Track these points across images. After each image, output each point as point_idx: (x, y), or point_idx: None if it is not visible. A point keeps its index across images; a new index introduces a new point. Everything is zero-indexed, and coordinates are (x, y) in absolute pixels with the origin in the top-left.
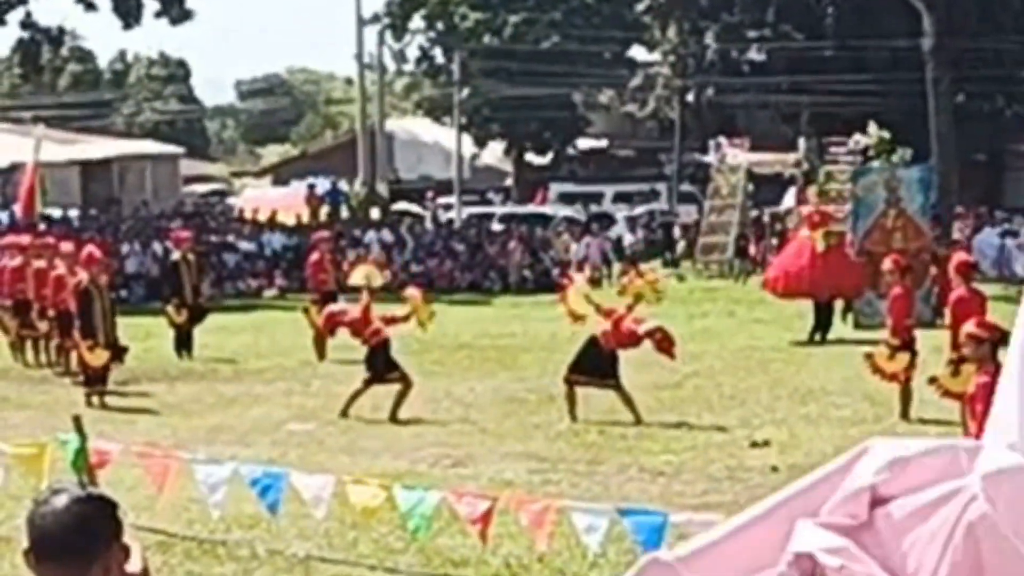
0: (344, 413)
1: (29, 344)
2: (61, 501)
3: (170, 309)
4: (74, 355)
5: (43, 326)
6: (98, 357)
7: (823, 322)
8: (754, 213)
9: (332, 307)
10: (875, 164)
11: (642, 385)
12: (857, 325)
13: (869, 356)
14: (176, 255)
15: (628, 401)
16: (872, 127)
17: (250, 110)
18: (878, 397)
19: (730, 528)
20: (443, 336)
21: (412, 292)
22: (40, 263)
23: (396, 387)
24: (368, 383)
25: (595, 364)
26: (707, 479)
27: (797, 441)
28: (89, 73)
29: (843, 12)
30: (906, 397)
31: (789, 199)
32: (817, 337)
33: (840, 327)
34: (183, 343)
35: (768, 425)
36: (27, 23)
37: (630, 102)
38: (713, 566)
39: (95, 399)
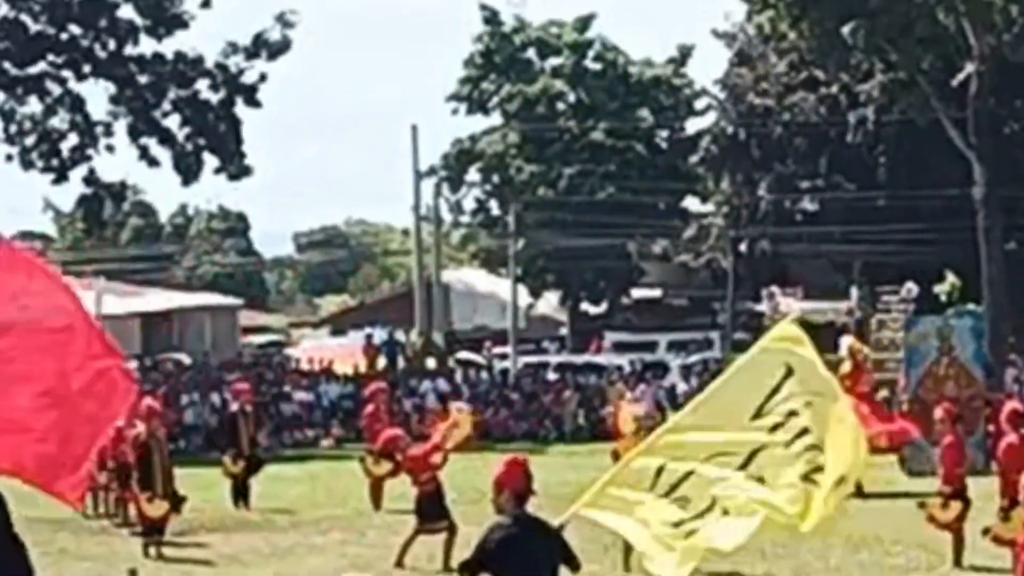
0: (399, 563)
1: (88, 495)
2: None
3: (226, 460)
4: (132, 506)
5: (102, 477)
6: (157, 508)
7: None
8: None
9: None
10: (952, 310)
11: None
12: (910, 472)
13: (923, 505)
14: (235, 406)
15: None
16: (950, 276)
17: (308, 261)
18: (931, 545)
19: None
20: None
21: (459, 406)
22: None
23: (466, 535)
24: (418, 531)
25: None
26: None
27: None
28: (150, 227)
29: (895, 162)
30: (959, 545)
31: (843, 348)
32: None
33: (892, 474)
34: (240, 493)
35: (821, 574)
36: (90, 179)
37: (684, 252)
38: None
39: (152, 550)
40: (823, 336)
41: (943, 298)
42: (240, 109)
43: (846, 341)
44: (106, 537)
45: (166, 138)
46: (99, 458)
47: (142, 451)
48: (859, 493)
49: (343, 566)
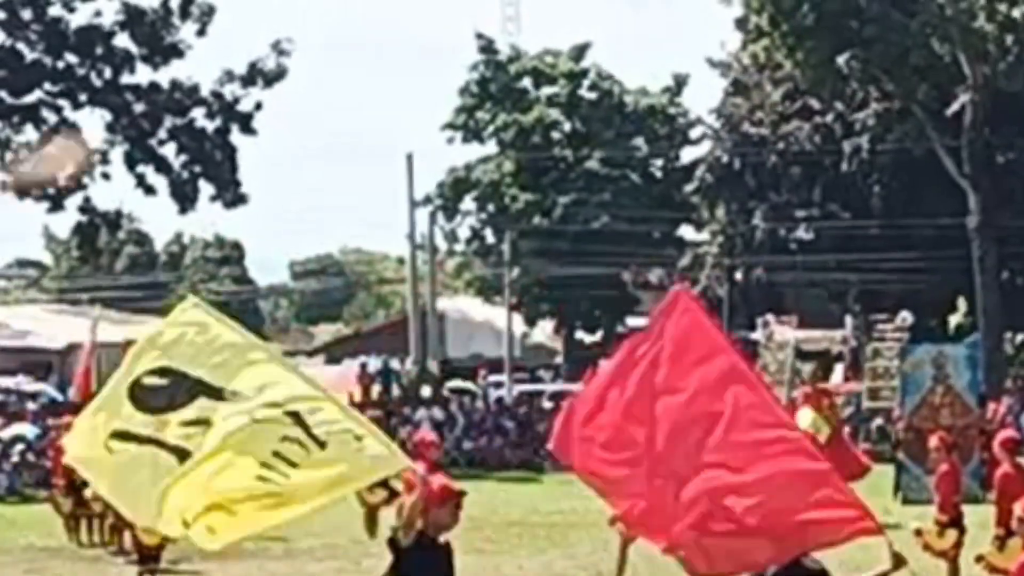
0: None
1: (84, 523)
2: None
3: None
4: (127, 534)
5: (97, 506)
6: (152, 536)
7: None
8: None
9: None
10: (967, 340)
11: None
12: (905, 501)
13: (919, 533)
14: None
15: None
16: (961, 303)
17: (303, 290)
18: (927, 573)
19: None
20: (493, 513)
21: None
22: None
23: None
24: None
25: None
26: None
27: None
28: (146, 255)
29: (890, 191)
30: (954, 573)
31: (837, 376)
32: None
33: (889, 503)
34: None
35: None
36: (86, 207)
37: (679, 281)
38: None
39: None
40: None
41: (952, 329)
42: (236, 137)
43: (839, 369)
44: (101, 565)
45: (162, 166)
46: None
47: None
48: None
49: None
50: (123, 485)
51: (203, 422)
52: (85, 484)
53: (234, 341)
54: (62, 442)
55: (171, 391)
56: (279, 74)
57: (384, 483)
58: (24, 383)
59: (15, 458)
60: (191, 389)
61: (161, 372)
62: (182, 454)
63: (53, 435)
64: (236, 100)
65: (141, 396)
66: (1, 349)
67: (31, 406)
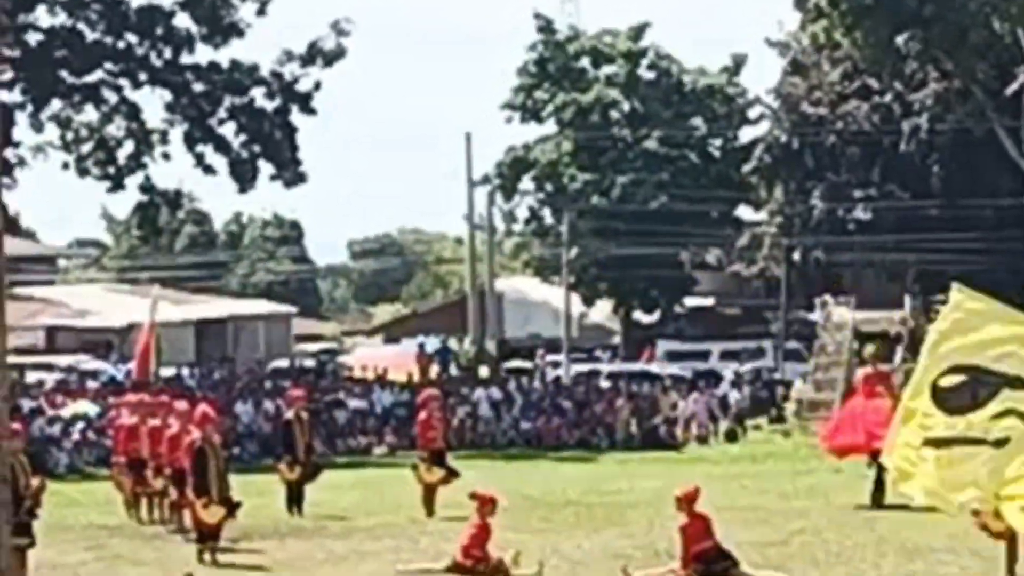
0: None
1: (144, 501)
2: None
3: (282, 466)
4: (187, 512)
5: (158, 483)
6: (212, 514)
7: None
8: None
9: None
10: None
11: (749, 542)
12: None
13: (976, 514)
14: (290, 413)
15: None
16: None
17: (362, 270)
18: (985, 553)
19: None
20: (550, 493)
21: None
22: (154, 421)
23: (508, 542)
24: None
25: None
26: None
27: None
28: (205, 235)
29: (949, 171)
30: (1012, 554)
31: (896, 357)
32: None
33: None
34: (294, 500)
35: None
36: (146, 187)
37: (737, 261)
38: None
39: (207, 556)
40: (879, 345)
41: None
42: (295, 117)
43: (898, 350)
44: (161, 543)
45: (221, 145)
46: (155, 464)
47: (197, 457)
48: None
49: (396, 573)
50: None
51: (1013, 412)
52: (145, 462)
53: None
54: (123, 420)
55: (972, 388)
56: (338, 54)
57: (442, 462)
58: (84, 362)
59: (76, 436)
60: (993, 382)
61: (958, 370)
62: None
63: (113, 414)
64: (295, 80)
65: (943, 397)
66: (62, 328)
67: (91, 385)
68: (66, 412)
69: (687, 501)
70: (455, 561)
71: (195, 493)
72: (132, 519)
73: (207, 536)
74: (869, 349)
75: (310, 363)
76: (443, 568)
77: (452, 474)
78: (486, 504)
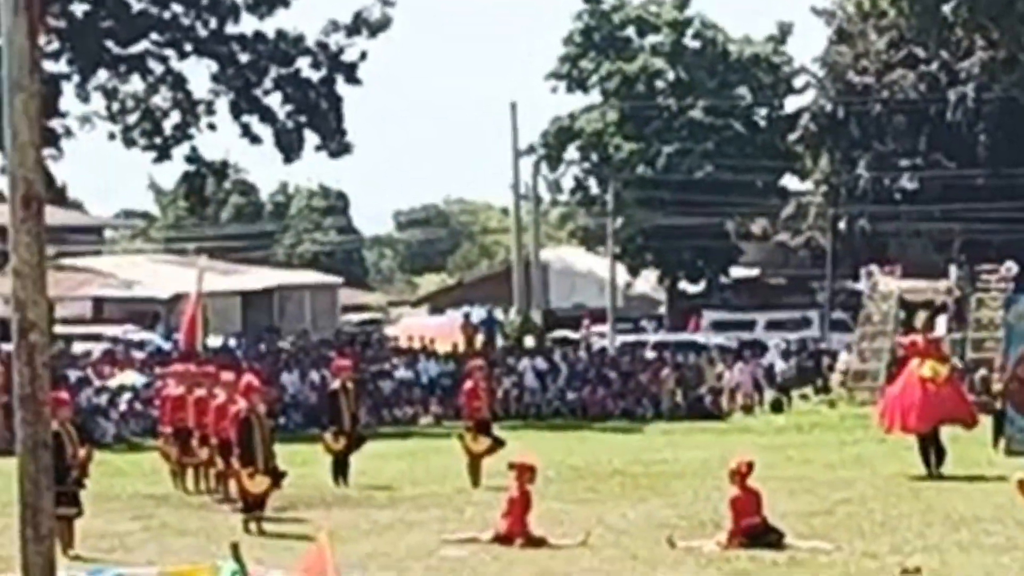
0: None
1: (190, 471)
2: None
3: (328, 436)
4: (233, 482)
5: (203, 453)
6: (258, 484)
7: (938, 451)
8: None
9: None
10: None
11: (794, 512)
12: (1009, 452)
13: (1021, 483)
14: (336, 384)
15: None
16: None
17: (407, 240)
18: None
19: None
20: (596, 463)
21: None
22: (201, 391)
23: (553, 512)
24: None
25: None
26: None
27: (948, 568)
28: (251, 205)
29: (995, 140)
30: None
31: (941, 326)
32: (935, 469)
33: (992, 453)
34: (340, 470)
35: (919, 552)
36: (192, 157)
37: (782, 231)
38: None
39: (253, 526)
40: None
41: None
42: (341, 87)
43: (943, 320)
44: (207, 513)
45: (267, 116)
46: (200, 434)
47: (243, 427)
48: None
49: (441, 542)
50: None
51: None
52: (191, 432)
53: None
54: (169, 390)
55: None
56: (384, 23)
57: (487, 431)
58: (131, 332)
59: (122, 406)
60: None
61: None
62: None
63: (160, 384)
64: (341, 50)
65: None
66: (109, 299)
67: (138, 355)
68: (113, 382)
69: (740, 475)
70: (498, 533)
71: (241, 463)
72: (178, 489)
73: (253, 506)
74: (922, 317)
75: (351, 331)
76: (488, 539)
77: (498, 444)
78: (525, 473)
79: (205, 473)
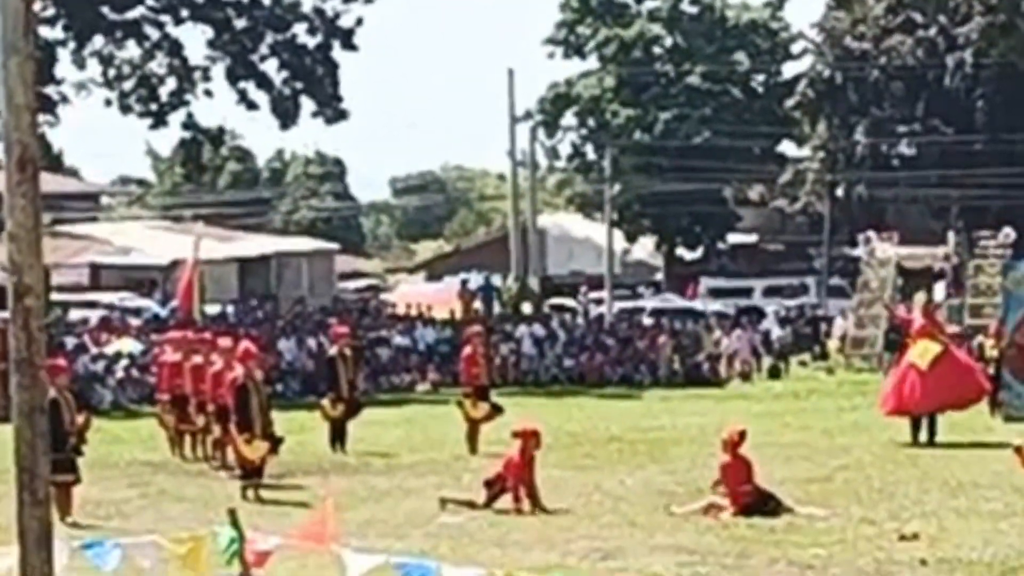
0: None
1: (187, 438)
2: None
3: (325, 403)
4: (231, 449)
5: (200, 420)
6: (255, 450)
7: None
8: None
9: None
10: None
11: (792, 478)
12: (1007, 418)
13: (1019, 449)
14: (334, 350)
15: None
16: None
17: (404, 207)
18: None
19: None
20: (593, 429)
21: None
22: (197, 358)
23: (551, 479)
24: None
25: None
26: (856, 573)
27: (947, 535)
28: (248, 172)
29: (993, 106)
30: None
31: (939, 293)
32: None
33: (990, 420)
34: (338, 437)
35: (917, 518)
36: (189, 124)
37: (780, 197)
38: None
39: (251, 492)
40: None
41: None
42: (337, 53)
43: (941, 286)
44: (204, 480)
45: (263, 82)
46: (197, 401)
47: (240, 394)
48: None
49: (439, 509)
50: None
51: None
52: (188, 399)
53: None
54: (166, 357)
55: None
56: None
57: (486, 398)
58: (128, 299)
59: (119, 374)
60: None
61: None
62: None
63: (156, 351)
64: (337, 16)
65: None
66: (105, 266)
67: (135, 322)
68: (110, 349)
69: (732, 444)
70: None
71: (238, 430)
72: (176, 456)
73: (250, 473)
74: (921, 297)
75: (347, 298)
76: (484, 503)
77: (496, 410)
78: (530, 439)
79: (202, 440)
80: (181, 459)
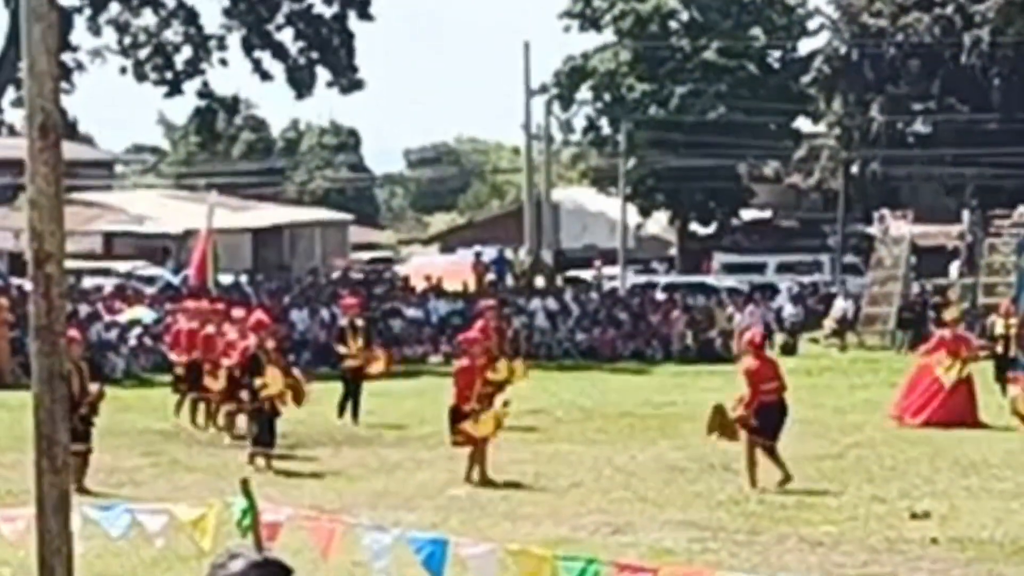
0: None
1: (201, 408)
2: (238, 566)
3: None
4: (241, 418)
5: (215, 386)
6: (272, 385)
7: None
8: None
9: None
10: None
11: (804, 455)
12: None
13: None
14: (344, 321)
15: None
16: None
17: (418, 179)
18: None
19: None
20: (605, 404)
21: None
22: (211, 328)
23: (562, 453)
24: None
25: None
26: (867, 550)
27: (958, 513)
28: (262, 141)
29: (1010, 85)
30: None
31: (954, 271)
32: None
33: (1001, 400)
34: (351, 407)
35: (928, 497)
36: (204, 92)
37: (795, 173)
38: None
39: (260, 461)
40: (933, 259)
41: None
42: (353, 23)
43: (955, 266)
44: (216, 449)
45: (279, 52)
46: (211, 370)
47: (252, 363)
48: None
49: (450, 481)
50: None
51: None
52: (202, 367)
53: None
54: (180, 326)
55: None
56: None
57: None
58: (141, 268)
59: (132, 342)
60: None
61: None
62: None
63: (170, 319)
64: None
65: None
66: (119, 234)
67: (148, 290)
68: (123, 318)
69: (754, 345)
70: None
71: (251, 396)
72: (188, 426)
73: (261, 443)
74: (953, 314)
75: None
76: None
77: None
78: (473, 345)
79: (216, 409)
80: (194, 428)
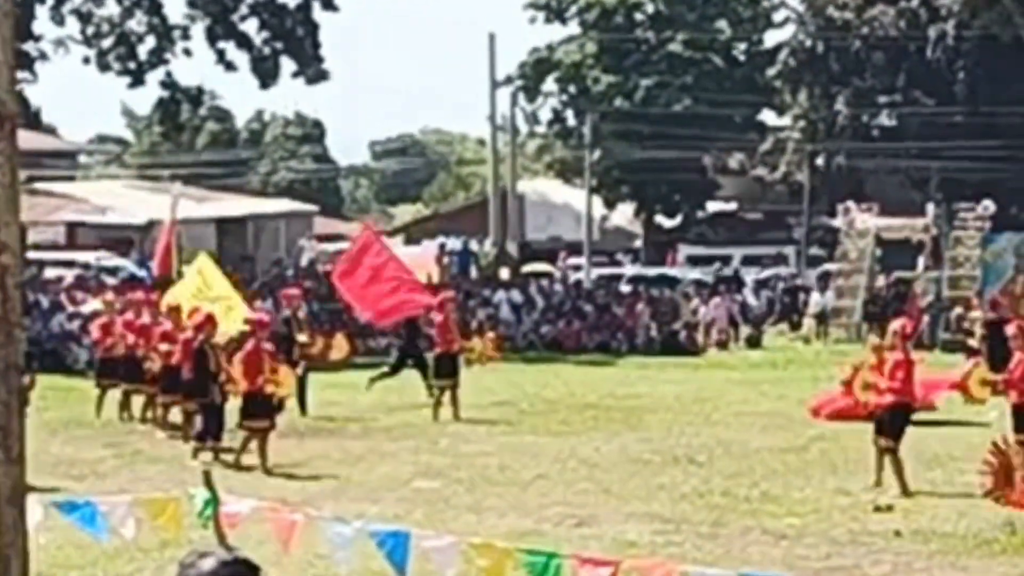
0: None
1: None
2: (208, 564)
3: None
4: (177, 409)
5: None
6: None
7: None
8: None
9: None
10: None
11: (768, 448)
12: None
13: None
14: (286, 312)
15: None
16: None
17: (383, 170)
18: None
19: None
20: (570, 396)
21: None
22: (146, 318)
23: (526, 444)
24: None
25: None
26: (830, 543)
27: (921, 507)
28: (226, 132)
29: (974, 78)
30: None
31: (920, 265)
32: None
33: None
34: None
35: (893, 490)
36: (167, 83)
37: (760, 166)
38: None
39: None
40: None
41: None
42: (318, 13)
43: (920, 259)
44: (179, 441)
45: (243, 42)
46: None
47: (196, 359)
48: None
49: (414, 473)
50: None
51: None
52: (138, 360)
53: None
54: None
55: None
56: None
57: (455, 366)
58: (105, 259)
59: (95, 333)
60: None
61: None
62: None
63: (98, 312)
64: None
65: None
66: (82, 225)
67: (111, 281)
68: (85, 308)
69: (904, 336)
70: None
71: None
72: (122, 419)
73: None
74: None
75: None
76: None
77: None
78: (260, 328)
79: (150, 401)
80: (128, 419)
